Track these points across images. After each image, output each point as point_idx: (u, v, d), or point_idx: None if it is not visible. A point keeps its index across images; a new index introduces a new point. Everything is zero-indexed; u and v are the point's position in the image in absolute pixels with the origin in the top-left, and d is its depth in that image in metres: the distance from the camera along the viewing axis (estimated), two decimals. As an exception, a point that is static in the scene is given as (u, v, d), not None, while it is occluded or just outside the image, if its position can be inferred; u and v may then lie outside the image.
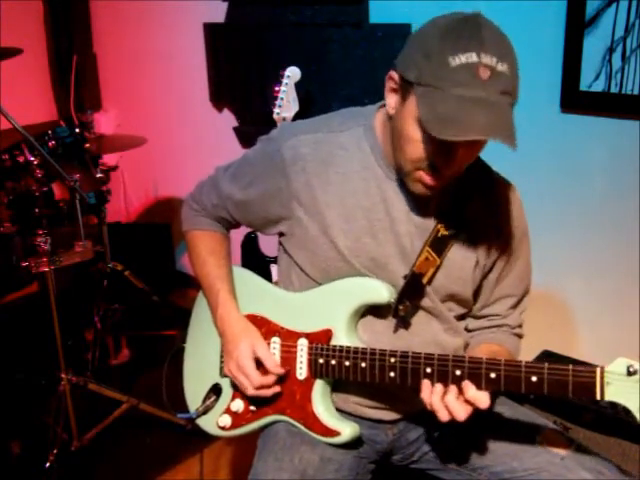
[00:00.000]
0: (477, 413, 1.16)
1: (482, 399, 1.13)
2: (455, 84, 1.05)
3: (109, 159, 2.78)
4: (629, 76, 1.92)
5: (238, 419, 1.42)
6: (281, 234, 1.40)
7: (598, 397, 1.07)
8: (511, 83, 1.08)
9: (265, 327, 1.39)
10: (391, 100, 1.18)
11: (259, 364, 1.34)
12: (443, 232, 1.27)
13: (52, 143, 2.36)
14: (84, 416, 2.28)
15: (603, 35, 1.94)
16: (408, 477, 1.49)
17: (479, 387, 1.14)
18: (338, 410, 1.36)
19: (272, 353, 1.36)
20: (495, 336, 1.40)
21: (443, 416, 1.15)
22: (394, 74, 1.16)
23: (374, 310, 1.32)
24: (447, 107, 1.05)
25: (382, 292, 1.27)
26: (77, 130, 2.51)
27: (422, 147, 1.13)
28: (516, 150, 1.04)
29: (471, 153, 1.16)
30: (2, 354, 2.61)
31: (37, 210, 2.20)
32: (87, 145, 2.53)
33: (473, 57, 1.04)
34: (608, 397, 1.06)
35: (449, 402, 1.15)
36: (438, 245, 1.27)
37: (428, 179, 1.17)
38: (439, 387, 1.17)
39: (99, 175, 2.52)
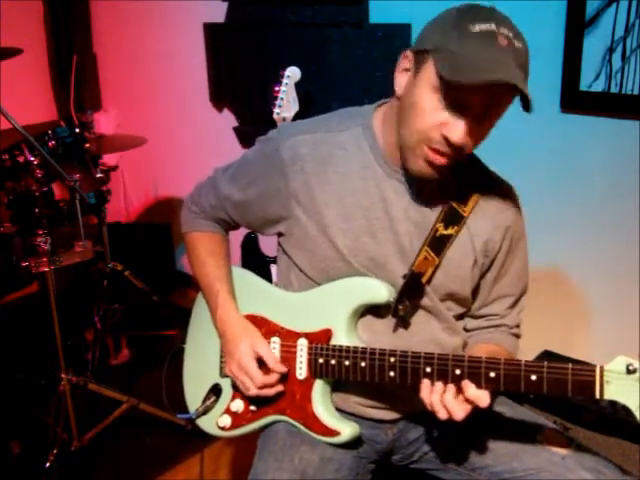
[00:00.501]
0: (477, 413, 1.16)
1: (482, 397, 1.14)
2: (475, 47, 1.06)
3: (109, 159, 2.78)
4: (629, 76, 1.92)
5: (238, 419, 1.42)
6: (280, 234, 1.40)
7: (597, 396, 1.07)
8: (525, 60, 1.11)
9: (265, 327, 1.39)
10: (402, 80, 1.19)
11: (260, 364, 1.34)
12: (442, 231, 1.27)
13: (52, 143, 2.36)
14: (84, 416, 2.28)
15: (603, 35, 1.94)
16: (408, 477, 1.49)
17: (479, 386, 1.14)
18: (338, 410, 1.36)
19: (273, 351, 1.36)
20: (493, 336, 1.40)
21: (442, 415, 1.15)
22: (408, 53, 1.17)
23: (373, 309, 1.32)
24: (466, 60, 1.06)
25: (382, 292, 1.27)
26: (77, 130, 2.51)
27: (434, 115, 1.12)
28: (530, 113, 1.08)
29: (482, 124, 1.14)
30: (2, 354, 2.61)
31: (37, 210, 2.20)
32: (87, 145, 2.53)
33: (492, 26, 1.07)
34: (607, 396, 1.06)
35: (447, 401, 1.15)
36: (437, 244, 1.27)
37: (433, 156, 1.16)
38: (439, 386, 1.17)
39: (99, 175, 2.52)
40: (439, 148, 1.15)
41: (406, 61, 1.18)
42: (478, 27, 1.07)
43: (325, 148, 1.29)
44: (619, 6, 1.89)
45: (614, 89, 1.96)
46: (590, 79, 1.99)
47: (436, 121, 1.12)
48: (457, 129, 1.12)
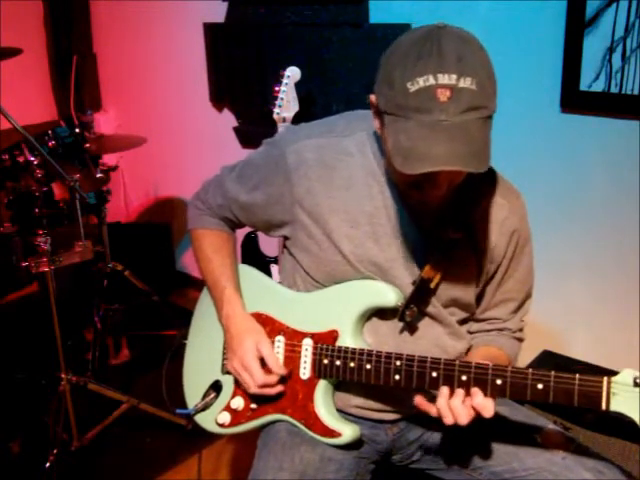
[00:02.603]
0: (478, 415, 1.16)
1: (487, 407, 1.14)
2: (415, 110, 1.04)
3: (109, 159, 2.78)
4: (629, 76, 1.92)
5: (237, 417, 1.42)
6: (286, 237, 1.40)
7: (604, 407, 1.07)
8: (479, 96, 1.04)
9: (270, 326, 1.39)
10: (376, 122, 1.18)
11: (263, 363, 1.34)
12: (447, 237, 1.27)
13: (52, 143, 2.36)
14: (84, 416, 2.28)
15: (603, 35, 1.94)
16: (408, 477, 1.49)
17: (485, 393, 1.14)
18: (338, 411, 1.36)
19: (276, 353, 1.36)
20: (495, 339, 1.40)
21: (448, 420, 1.16)
22: (372, 98, 1.16)
23: (379, 313, 1.31)
24: (408, 137, 1.04)
25: (390, 296, 1.27)
26: (77, 130, 2.51)
27: (406, 176, 1.11)
28: (483, 171, 1.03)
29: (453, 176, 1.14)
30: (2, 354, 2.61)
31: (37, 210, 2.19)
32: (87, 145, 2.53)
33: (430, 80, 1.02)
34: (614, 407, 1.06)
35: (455, 405, 1.15)
36: (444, 249, 1.27)
37: (420, 197, 1.18)
38: (445, 390, 1.17)
39: (99, 175, 2.52)
40: (419, 195, 1.17)
41: (372, 106, 1.17)
42: (416, 85, 1.03)
43: (330, 153, 1.29)
44: (619, 6, 1.89)
45: (614, 89, 1.96)
46: (590, 79, 1.99)
47: (406, 180, 1.14)
48: (431, 185, 1.13)
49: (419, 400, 1.20)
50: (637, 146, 1.97)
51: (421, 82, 1.02)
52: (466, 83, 1.03)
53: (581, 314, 2.22)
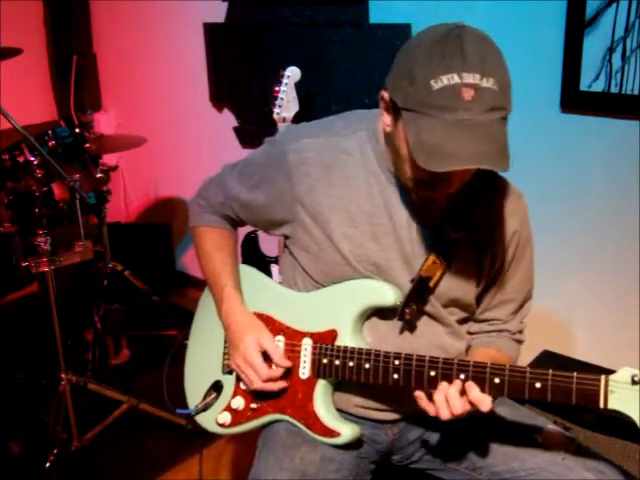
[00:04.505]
0: (477, 413, 1.16)
1: (484, 401, 1.14)
2: (439, 109, 1.04)
3: (109, 159, 2.78)
4: (629, 76, 1.92)
5: (238, 417, 1.42)
6: (286, 236, 1.40)
7: (602, 405, 1.07)
8: (500, 97, 1.05)
9: (270, 326, 1.39)
10: (386, 119, 1.18)
11: (265, 358, 1.34)
12: (447, 237, 1.27)
13: (52, 143, 2.36)
14: (84, 416, 2.28)
15: (603, 35, 1.94)
16: (408, 477, 1.49)
17: (483, 391, 1.14)
18: (339, 411, 1.36)
19: (278, 345, 1.36)
20: (494, 340, 1.40)
21: (444, 414, 1.15)
22: (385, 95, 1.15)
23: (379, 312, 1.32)
24: (432, 135, 1.04)
25: (389, 295, 1.27)
26: (77, 130, 2.51)
27: (417, 172, 1.13)
28: (507, 170, 1.04)
29: (465, 175, 1.14)
30: (2, 354, 2.61)
31: (37, 210, 2.19)
32: (87, 145, 2.53)
33: (455, 78, 1.03)
34: (611, 405, 1.06)
35: (450, 395, 1.15)
36: (442, 250, 1.27)
37: (430, 194, 1.18)
38: (444, 384, 1.17)
39: (99, 175, 2.52)
40: (432, 190, 1.17)
41: (384, 102, 1.16)
42: (440, 82, 1.03)
43: (330, 152, 1.29)
44: (619, 6, 1.90)
45: (614, 89, 1.96)
46: (590, 79, 1.99)
47: (422, 173, 1.12)
48: (443, 183, 1.14)
49: (419, 394, 1.19)
50: (637, 146, 1.97)
51: (445, 80, 1.03)
52: (489, 83, 1.04)
53: (581, 314, 2.22)
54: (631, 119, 1.96)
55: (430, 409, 1.18)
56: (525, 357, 1.88)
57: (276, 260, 2.48)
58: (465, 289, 1.32)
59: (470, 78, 1.03)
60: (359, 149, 1.29)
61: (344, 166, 1.29)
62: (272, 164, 1.34)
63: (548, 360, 2.03)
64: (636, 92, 1.92)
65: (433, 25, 1.11)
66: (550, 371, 1.11)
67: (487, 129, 1.04)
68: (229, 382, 1.44)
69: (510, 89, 1.09)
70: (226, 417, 1.42)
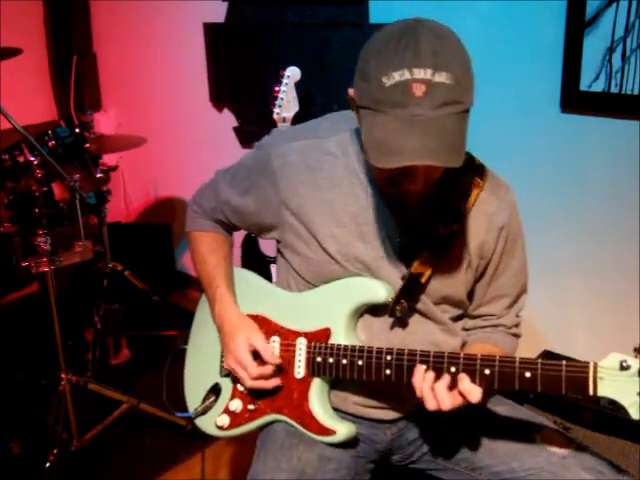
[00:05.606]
0: (476, 412, 1.16)
1: (474, 392, 1.14)
2: (391, 105, 1.04)
3: (109, 159, 2.78)
4: (629, 76, 1.92)
5: (236, 419, 1.42)
6: (277, 240, 1.41)
7: (591, 392, 1.06)
8: (455, 91, 1.04)
9: (265, 326, 1.40)
10: (356, 117, 1.18)
11: (257, 356, 1.35)
12: (436, 233, 1.27)
13: (52, 143, 2.36)
14: (84, 416, 2.27)
15: (603, 35, 1.94)
16: (408, 477, 1.49)
17: (473, 383, 1.14)
18: (337, 410, 1.36)
19: (269, 344, 1.37)
20: (490, 336, 1.40)
21: (430, 405, 1.15)
22: (351, 93, 1.16)
23: (372, 309, 1.32)
24: (383, 131, 1.04)
25: (380, 292, 1.28)
26: (77, 130, 2.51)
27: (385, 170, 1.12)
28: (458, 166, 1.03)
29: (430, 171, 1.14)
30: (2, 354, 2.61)
31: (37, 210, 2.19)
32: (87, 145, 2.53)
33: (406, 74, 1.02)
34: (601, 392, 1.06)
35: (438, 390, 1.15)
36: (434, 245, 1.27)
37: (396, 191, 1.19)
38: (430, 374, 1.17)
39: (99, 175, 2.52)
40: (395, 190, 1.17)
41: (350, 101, 1.17)
42: (392, 79, 1.03)
43: (314, 155, 1.30)
44: (619, 6, 1.89)
45: (614, 89, 1.95)
46: (590, 79, 1.99)
47: (382, 175, 1.15)
48: (409, 180, 1.14)
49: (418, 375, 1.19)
50: (637, 146, 1.97)
51: (396, 76, 1.03)
52: (441, 78, 1.03)
53: (581, 314, 2.22)
54: (631, 119, 1.96)
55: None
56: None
57: (275, 260, 2.48)
58: (456, 285, 1.32)
59: (421, 73, 1.02)
60: (341, 150, 1.29)
61: (328, 167, 1.29)
62: (259, 169, 1.35)
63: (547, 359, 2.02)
64: (636, 92, 1.92)
65: (394, 21, 1.12)
66: (539, 360, 1.11)
67: (438, 124, 1.03)
68: (227, 384, 1.44)
69: (470, 83, 1.08)
70: (225, 419, 1.43)
